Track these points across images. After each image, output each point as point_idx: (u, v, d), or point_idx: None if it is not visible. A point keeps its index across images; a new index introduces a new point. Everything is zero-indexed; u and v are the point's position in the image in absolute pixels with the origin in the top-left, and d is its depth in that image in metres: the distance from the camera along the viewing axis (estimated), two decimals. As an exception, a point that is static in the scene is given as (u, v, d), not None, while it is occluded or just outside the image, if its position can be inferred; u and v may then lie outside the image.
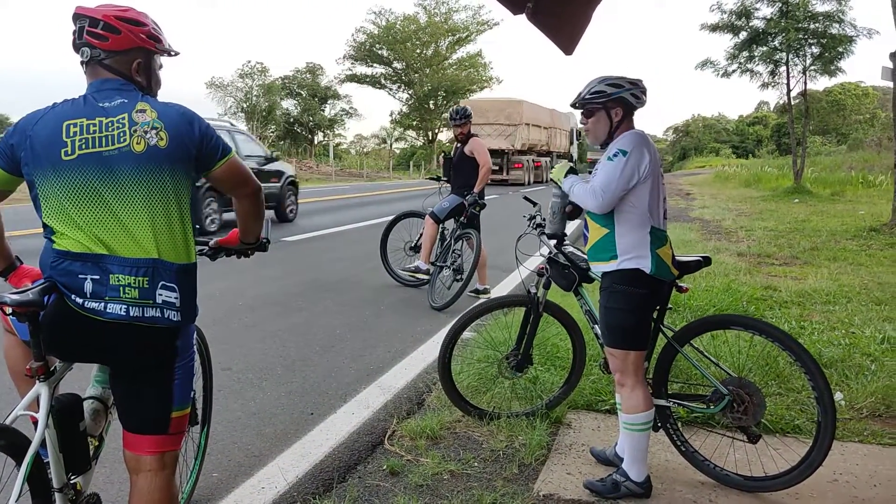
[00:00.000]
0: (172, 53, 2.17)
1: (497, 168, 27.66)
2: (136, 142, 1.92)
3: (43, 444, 1.87)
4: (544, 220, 3.56)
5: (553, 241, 3.41)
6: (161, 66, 2.18)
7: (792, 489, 2.88)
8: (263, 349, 5.03)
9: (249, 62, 58.66)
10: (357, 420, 3.72)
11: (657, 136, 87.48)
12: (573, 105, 3.02)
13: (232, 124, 16.50)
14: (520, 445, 3.36)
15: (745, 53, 21.67)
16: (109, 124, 1.93)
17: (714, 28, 21.67)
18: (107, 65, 2.02)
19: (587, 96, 2.91)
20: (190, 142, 2.01)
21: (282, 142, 60.94)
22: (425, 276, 7.02)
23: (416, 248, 7.42)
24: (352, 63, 61.89)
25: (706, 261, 3.14)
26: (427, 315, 6.23)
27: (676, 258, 3.01)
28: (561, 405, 3.72)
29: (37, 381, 1.91)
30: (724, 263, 7.99)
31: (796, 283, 7.15)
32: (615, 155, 2.80)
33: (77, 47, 2.02)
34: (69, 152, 1.90)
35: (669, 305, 3.13)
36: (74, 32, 2.00)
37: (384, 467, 3.16)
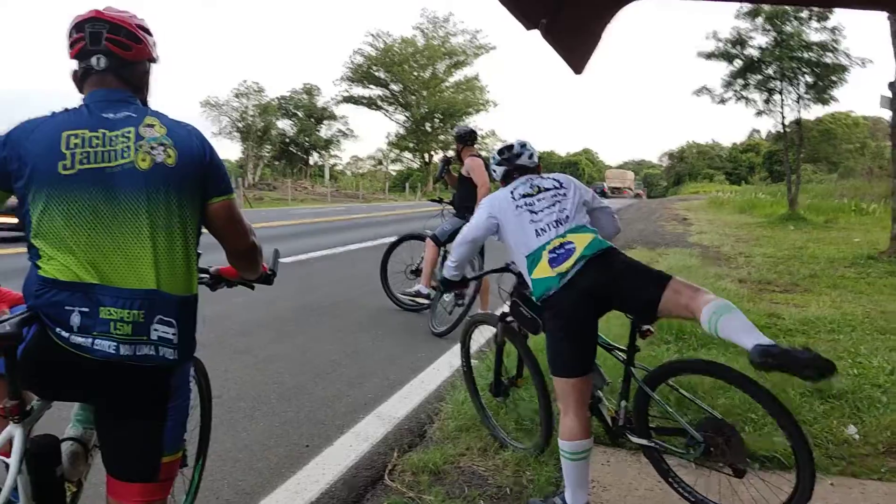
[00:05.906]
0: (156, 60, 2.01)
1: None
2: (140, 158, 1.75)
3: (15, 489, 1.68)
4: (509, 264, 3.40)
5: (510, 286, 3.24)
6: None
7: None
8: (256, 376, 4.87)
9: (245, 82, 58.79)
10: (355, 453, 3.57)
11: (652, 162, 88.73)
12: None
13: None
14: (527, 481, 3.21)
15: (741, 81, 21.90)
16: (113, 138, 1.76)
17: (709, 56, 21.91)
18: (123, 76, 1.86)
19: None
20: (199, 164, 1.84)
21: (277, 162, 61.12)
22: (426, 301, 6.88)
23: (416, 272, 7.27)
24: (349, 84, 62.44)
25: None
26: (428, 341, 6.08)
27: None
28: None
29: (10, 422, 1.72)
30: (726, 290, 7.87)
31: (799, 310, 7.04)
32: None
33: (88, 54, 1.82)
34: (68, 166, 1.71)
35: (637, 347, 2.91)
36: (84, 38, 1.81)
37: (385, 505, 3.01)
